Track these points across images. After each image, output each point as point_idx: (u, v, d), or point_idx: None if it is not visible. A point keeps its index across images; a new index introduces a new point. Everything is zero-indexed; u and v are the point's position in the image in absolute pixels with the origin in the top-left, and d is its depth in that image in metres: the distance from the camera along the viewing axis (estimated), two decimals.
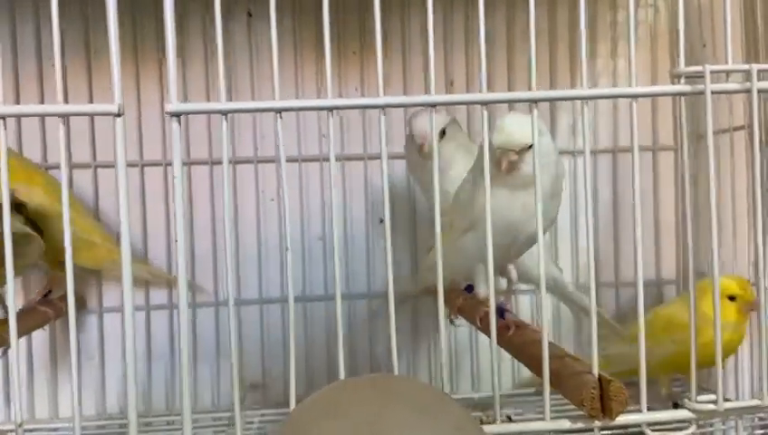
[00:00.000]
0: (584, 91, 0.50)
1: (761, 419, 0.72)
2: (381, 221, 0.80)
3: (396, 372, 0.49)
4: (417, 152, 0.67)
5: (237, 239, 0.81)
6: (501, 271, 0.63)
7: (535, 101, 0.50)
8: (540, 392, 0.63)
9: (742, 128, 0.71)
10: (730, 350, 0.70)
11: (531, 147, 0.52)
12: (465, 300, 0.68)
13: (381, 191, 0.50)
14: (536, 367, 0.53)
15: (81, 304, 0.79)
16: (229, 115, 0.47)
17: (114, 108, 0.46)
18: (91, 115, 0.69)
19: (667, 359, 0.70)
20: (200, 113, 0.53)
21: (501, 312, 0.61)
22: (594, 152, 0.85)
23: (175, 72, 0.47)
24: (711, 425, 0.77)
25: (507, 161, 0.54)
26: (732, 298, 0.70)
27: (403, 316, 0.80)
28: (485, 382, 0.83)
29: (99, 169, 0.79)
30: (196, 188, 0.81)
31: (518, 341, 0.59)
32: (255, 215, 0.81)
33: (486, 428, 0.47)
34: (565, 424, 0.50)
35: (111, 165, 0.47)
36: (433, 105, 0.50)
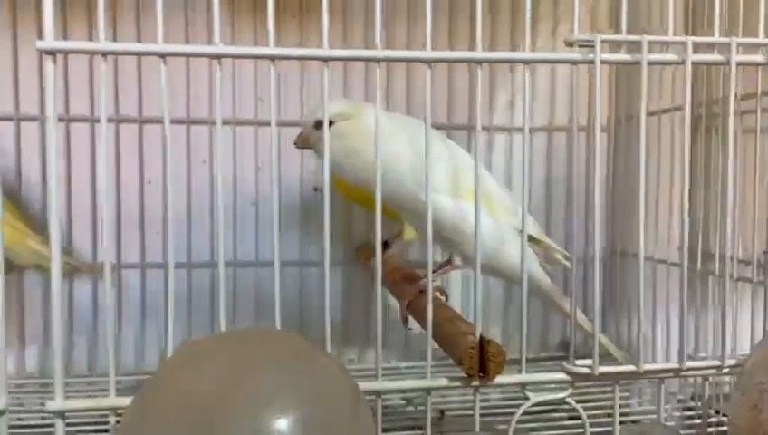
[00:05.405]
0: (524, 54, 0.51)
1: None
2: (315, 189, 0.81)
3: (328, 344, 0.49)
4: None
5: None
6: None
7: (477, 62, 0.50)
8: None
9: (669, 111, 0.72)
10: None
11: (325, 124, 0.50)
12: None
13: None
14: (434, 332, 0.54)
15: None
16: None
17: None
18: None
19: None
20: (77, 52, 0.48)
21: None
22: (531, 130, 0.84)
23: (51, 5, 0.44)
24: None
25: (298, 136, 0.64)
26: None
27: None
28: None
29: None
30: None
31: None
32: (186, 177, 0.79)
33: (364, 384, 0.47)
34: (443, 382, 0.51)
35: None
36: (377, 60, 0.49)
